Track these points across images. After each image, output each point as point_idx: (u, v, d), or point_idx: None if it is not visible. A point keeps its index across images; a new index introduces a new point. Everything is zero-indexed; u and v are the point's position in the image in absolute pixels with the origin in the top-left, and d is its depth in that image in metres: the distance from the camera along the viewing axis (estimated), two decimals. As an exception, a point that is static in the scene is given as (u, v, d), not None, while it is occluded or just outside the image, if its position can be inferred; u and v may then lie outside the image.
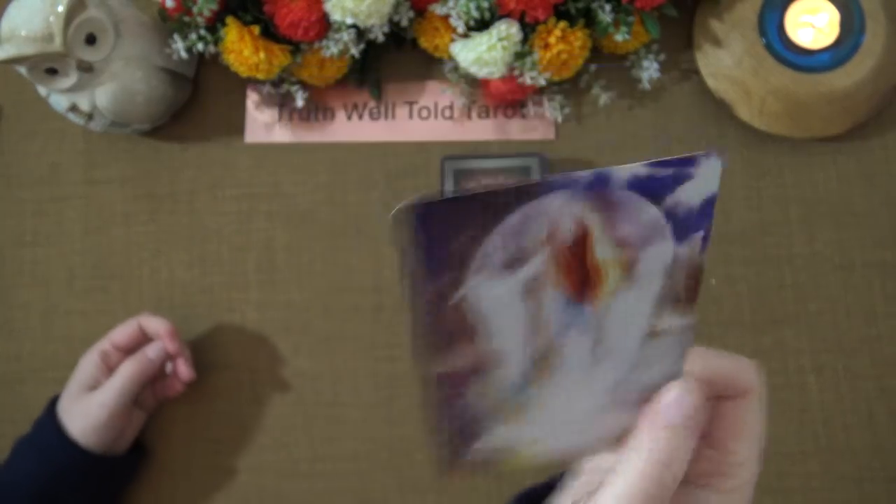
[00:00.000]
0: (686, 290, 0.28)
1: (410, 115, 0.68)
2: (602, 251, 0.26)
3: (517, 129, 0.67)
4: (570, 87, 0.67)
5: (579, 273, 0.26)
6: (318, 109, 0.69)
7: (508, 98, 0.65)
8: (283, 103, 0.69)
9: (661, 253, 0.27)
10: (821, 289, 0.63)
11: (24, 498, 0.55)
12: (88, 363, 0.59)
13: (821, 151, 0.65)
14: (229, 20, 0.61)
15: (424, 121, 0.68)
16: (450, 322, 0.25)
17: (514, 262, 0.25)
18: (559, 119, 0.67)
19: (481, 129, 0.68)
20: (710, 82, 0.65)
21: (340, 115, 0.69)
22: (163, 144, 0.70)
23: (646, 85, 0.65)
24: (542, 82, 0.63)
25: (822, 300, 0.63)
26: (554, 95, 0.66)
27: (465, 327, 0.25)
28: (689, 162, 0.25)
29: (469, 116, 0.68)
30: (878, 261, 0.63)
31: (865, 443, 0.61)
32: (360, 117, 0.69)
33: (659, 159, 0.24)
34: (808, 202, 0.64)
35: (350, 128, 0.69)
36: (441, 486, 0.62)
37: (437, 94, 0.68)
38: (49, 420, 0.58)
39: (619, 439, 0.29)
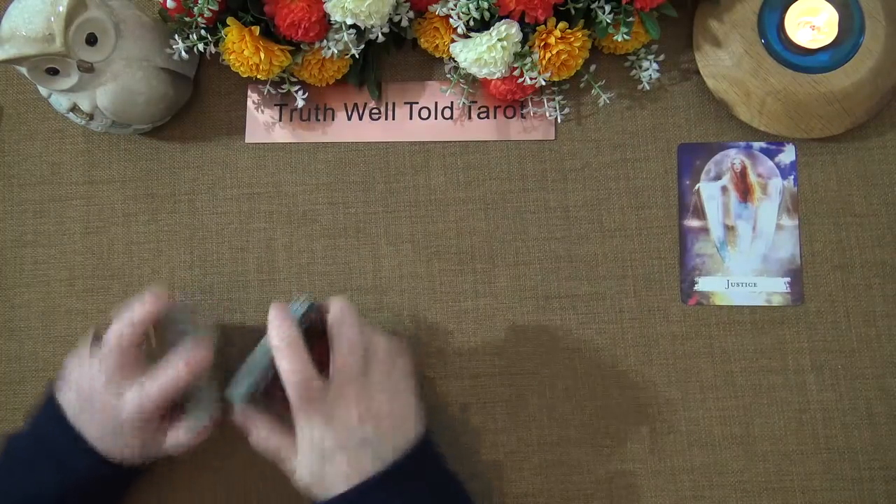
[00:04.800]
0: (791, 203, 0.62)
1: (410, 115, 0.68)
2: (752, 177, 0.63)
3: (517, 129, 0.67)
4: (570, 87, 0.67)
5: (743, 186, 0.63)
6: (318, 109, 0.69)
7: (508, 98, 0.65)
8: (283, 103, 0.69)
9: (777, 183, 0.63)
10: (820, 289, 0.63)
11: None
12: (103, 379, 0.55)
13: (821, 151, 0.65)
14: (230, 21, 0.61)
15: (424, 121, 0.68)
16: (693, 202, 0.63)
17: (716, 177, 0.63)
18: (559, 119, 0.67)
19: (481, 129, 0.68)
20: (710, 83, 0.65)
21: (340, 115, 0.69)
22: (163, 144, 0.70)
23: (646, 85, 0.65)
24: (542, 82, 0.63)
25: (821, 300, 0.63)
26: (554, 95, 0.66)
27: (699, 206, 0.63)
28: (780, 144, 0.64)
29: (469, 116, 0.68)
30: (877, 261, 0.63)
31: (865, 443, 0.61)
32: (360, 117, 0.69)
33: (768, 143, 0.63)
34: (808, 202, 0.64)
35: (350, 128, 0.69)
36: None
37: (437, 94, 0.68)
38: (59, 424, 0.55)
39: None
